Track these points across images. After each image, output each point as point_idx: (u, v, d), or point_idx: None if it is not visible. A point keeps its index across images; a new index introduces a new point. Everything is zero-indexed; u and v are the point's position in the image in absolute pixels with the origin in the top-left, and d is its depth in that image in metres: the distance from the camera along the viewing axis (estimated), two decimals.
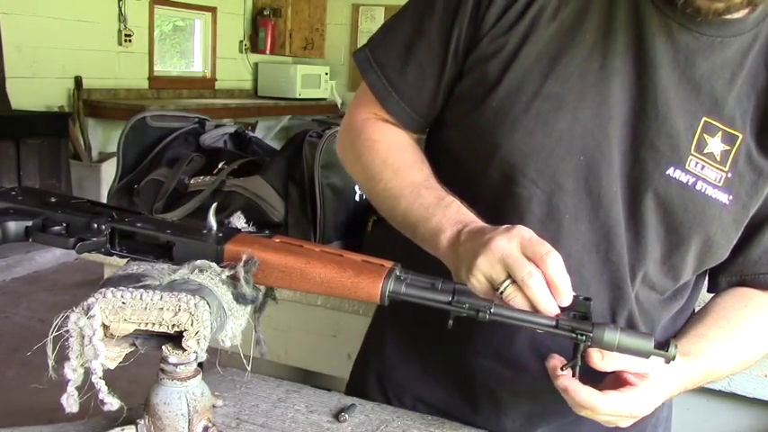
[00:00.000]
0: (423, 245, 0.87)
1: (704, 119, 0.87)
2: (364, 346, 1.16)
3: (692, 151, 0.87)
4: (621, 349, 0.73)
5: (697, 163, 0.87)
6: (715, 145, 0.87)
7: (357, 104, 1.03)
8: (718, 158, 0.87)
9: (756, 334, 0.95)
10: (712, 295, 1.00)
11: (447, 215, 0.85)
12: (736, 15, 0.84)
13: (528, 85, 0.87)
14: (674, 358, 0.74)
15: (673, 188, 0.87)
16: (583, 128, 0.87)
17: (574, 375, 0.77)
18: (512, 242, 0.75)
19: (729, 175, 0.87)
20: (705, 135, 0.87)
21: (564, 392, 0.79)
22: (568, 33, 0.87)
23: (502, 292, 0.74)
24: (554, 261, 0.74)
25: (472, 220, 0.84)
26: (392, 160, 0.95)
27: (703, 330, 0.92)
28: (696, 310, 1.02)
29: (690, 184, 0.87)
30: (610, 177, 0.88)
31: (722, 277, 0.98)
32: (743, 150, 0.87)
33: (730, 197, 0.88)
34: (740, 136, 0.87)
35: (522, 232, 0.76)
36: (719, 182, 0.87)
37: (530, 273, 0.73)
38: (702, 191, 0.87)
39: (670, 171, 0.87)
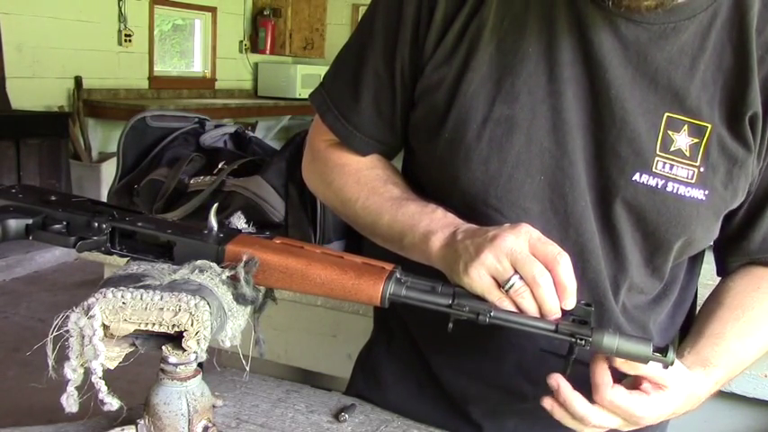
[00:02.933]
0: (411, 253, 0.85)
1: (666, 114, 0.82)
2: (360, 366, 1.13)
3: (658, 152, 0.82)
4: (620, 354, 0.73)
5: (664, 164, 0.83)
6: (682, 140, 0.83)
7: (316, 133, 1.01)
8: (688, 154, 0.83)
9: None
10: (720, 279, 0.97)
11: (435, 219, 0.83)
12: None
13: (476, 112, 0.84)
14: (672, 363, 0.73)
15: (641, 194, 0.83)
16: (539, 147, 0.84)
17: (566, 372, 0.77)
18: (519, 239, 0.74)
19: (702, 169, 0.83)
20: (669, 132, 0.82)
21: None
22: (510, 50, 0.84)
23: (509, 288, 0.73)
24: (565, 263, 0.73)
25: (462, 222, 0.82)
26: (365, 179, 0.93)
27: (719, 328, 0.88)
28: (707, 296, 0.98)
29: (659, 187, 0.83)
30: (576, 193, 0.84)
31: (730, 262, 0.95)
32: (714, 141, 0.83)
33: (706, 192, 0.83)
34: (709, 126, 0.82)
35: (530, 231, 0.75)
36: (692, 179, 0.83)
37: (541, 272, 0.72)
38: (674, 192, 0.83)
39: (636, 177, 0.83)
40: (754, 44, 0.82)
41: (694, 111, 0.82)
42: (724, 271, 0.97)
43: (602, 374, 0.76)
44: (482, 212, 0.86)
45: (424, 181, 0.94)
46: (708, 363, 0.85)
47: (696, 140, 0.83)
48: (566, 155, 0.84)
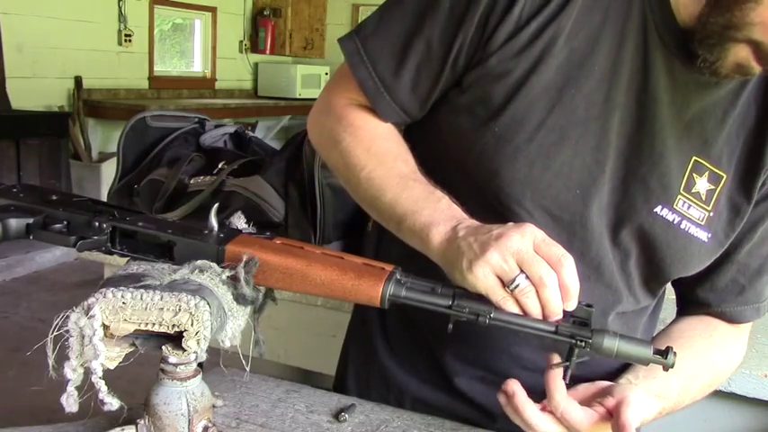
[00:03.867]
0: (408, 238, 0.84)
1: (694, 158, 0.87)
2: (350, 348, 1.14)
3: (682, 190, 0.88)
4: (620, 356, 0.73)
5: (684, 202, 0.88)
6: (702, 184, 0.88)
7: (337, 88, 0.97)
8: (704, 198, 0.88)
9: (717, 366, 0.98)
10: (677, 315, 1.03)
11: (438, 209, 0.82)
12: None
13: (533, 116, 0.85)
14: (672, 366, 0.73)
15: (658, 226, 0.88)
16: (582, 162, 0.86)
17: (565, 378, 0.78)
18: (525, 238, 0.74)
19: (711, 214, 0.89)
20: (694, 174, 0.88)
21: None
22: (578, 63, 0.85)
23: (514, 288, 0.73)
24: (570, 265, 0.74)
25: (465, 216, 0.82)
26: (376, 149, 0.90)
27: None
28: (662, 327, 1.04)
29: (675, 222, 0.88)
30: (600, 210, 0.88)
31: (690, 306, 1.01)
32: (725, 190, 0.89)
33: (709, 235, 0.89)
34: (725, 176, 0.88)
35: (535, 231, 0.75)
36: (702, 221, 0.89)
37: (548, 272, 0.73)
38: (686, 230, 0.88)
39: (657, 209, 0.88)
40: None
41: (717, 159, 0.88)
42: (682, 312, 1.03)
43: (555, 383, 0.79)
44: (514, 211, 0.87)
45: (448, 164, 0.92)
46: (659, 396, 0.89)
47: (712, 187, 0.88)
48: (603, 174, 0.87)
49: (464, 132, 0.90)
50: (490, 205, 0.87)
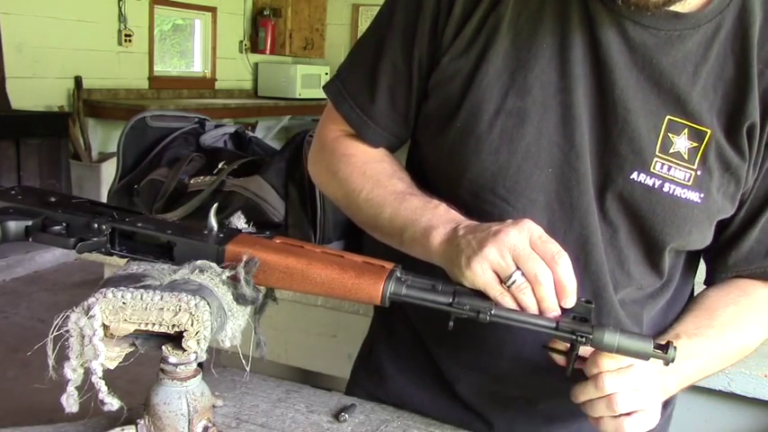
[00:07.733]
0: (411, 248, 0.86)
1: (668, 117, 0.85)
2: (363, 365, 1.14)
3: (657, 153, 0.85)
4: (621, 351, 0.73)
5: (663, 164, 0.85)
6: (681, 143, 0.85)
7: (327, 122, 1.02)
8: (686, 157, 0.85)
9: (749, 323, 0.93)
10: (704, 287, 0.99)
11: (437, 214, 0.84)
12: (690, 6, 0.83)
13: (489, 103, 0.86)
14: (672, 360, 0.74)
15: (638, 192, 0.86)
16: (548, 140, 0.86)
17: (567, 373, 0.78)
18: (522, 234, 0.75)
19: (699, 172, 0.85)
20: (670, 134, 0.85)
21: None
22: (525, 45, 0.86)
23: (511, 284, 0.73)
24: (565, 262, 0.74)
25: (463, 219, 0.83)
26: (371, 172, 0.94)
27: (692, 326, 0.91)
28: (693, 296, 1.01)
29: (656, 186, 0.85)
30: (581, 187, 0.87)
31: (718, 273, 0.97)
32: (712, 146, 0.85)
33: (701, 195, 0.86)
34: (708, 132, 0.85)
35: (532, 228, 0.76)
36: (689, 181, 0.85)
37: (543, 269, 0.73)
38: (670, 192, 0.85)
39: (634, 175, 0.85)
40: (755, 57, 0.85)
41: (695, 115, 0.85)
42: (711, 281, 0.99)
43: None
44: (489, 201, 0.88)
45: (430, 173, 0.95)
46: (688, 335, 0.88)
47: (695, 144, 0.85)
48: (573, 149, 0.86)
49: (434, 138, 0.92)
50: (469, 202, 0.88)
